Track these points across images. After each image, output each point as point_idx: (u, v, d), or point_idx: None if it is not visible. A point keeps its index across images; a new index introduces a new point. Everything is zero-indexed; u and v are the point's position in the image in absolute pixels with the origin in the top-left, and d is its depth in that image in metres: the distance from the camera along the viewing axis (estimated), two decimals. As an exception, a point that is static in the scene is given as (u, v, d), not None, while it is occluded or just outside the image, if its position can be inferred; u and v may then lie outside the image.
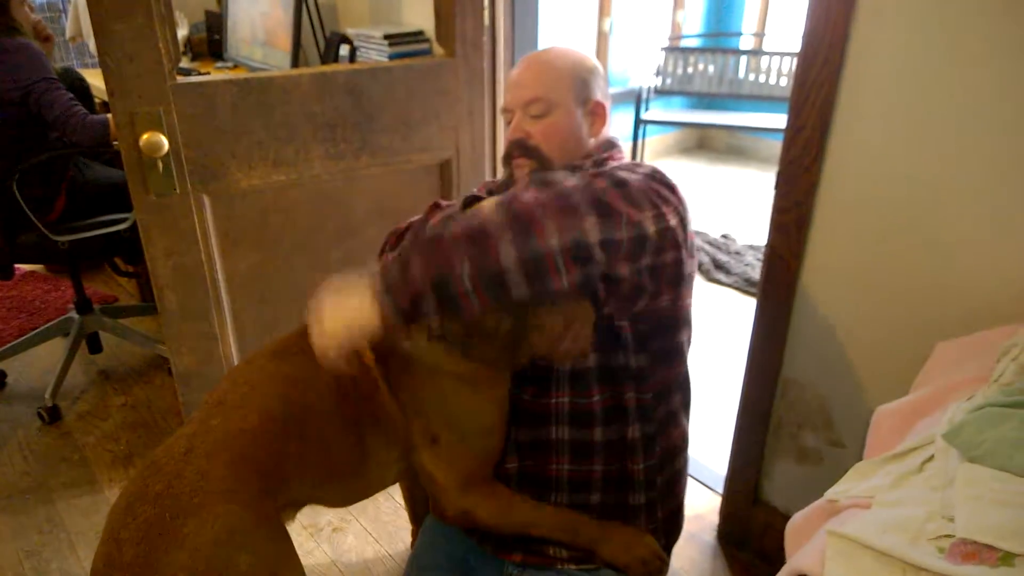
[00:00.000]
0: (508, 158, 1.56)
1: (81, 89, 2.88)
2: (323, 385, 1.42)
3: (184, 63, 3.41)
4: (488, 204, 1.21)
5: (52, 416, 2.75)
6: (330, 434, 1.41)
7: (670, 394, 1.56)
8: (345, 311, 1.20)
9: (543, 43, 2.54)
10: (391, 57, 2.47)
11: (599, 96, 1.55)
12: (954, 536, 0.84)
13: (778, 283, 1.84)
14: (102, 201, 2.77)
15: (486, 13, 2.35)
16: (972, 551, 0.83)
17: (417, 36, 2.52)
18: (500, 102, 2.54)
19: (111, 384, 3.00)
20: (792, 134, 1.71)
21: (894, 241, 1.61)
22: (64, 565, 2.15)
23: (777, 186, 1.78)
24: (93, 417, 2.78)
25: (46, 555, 2.19)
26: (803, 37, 1.64)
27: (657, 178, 1.35)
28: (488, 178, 2.57)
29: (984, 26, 1.38)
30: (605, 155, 1.55)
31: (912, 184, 1.55)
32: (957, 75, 1.44)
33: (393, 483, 1.63)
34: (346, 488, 1.51)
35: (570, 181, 1.22)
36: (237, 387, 1.41)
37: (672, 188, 1.37)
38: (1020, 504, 0.86)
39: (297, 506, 1.45)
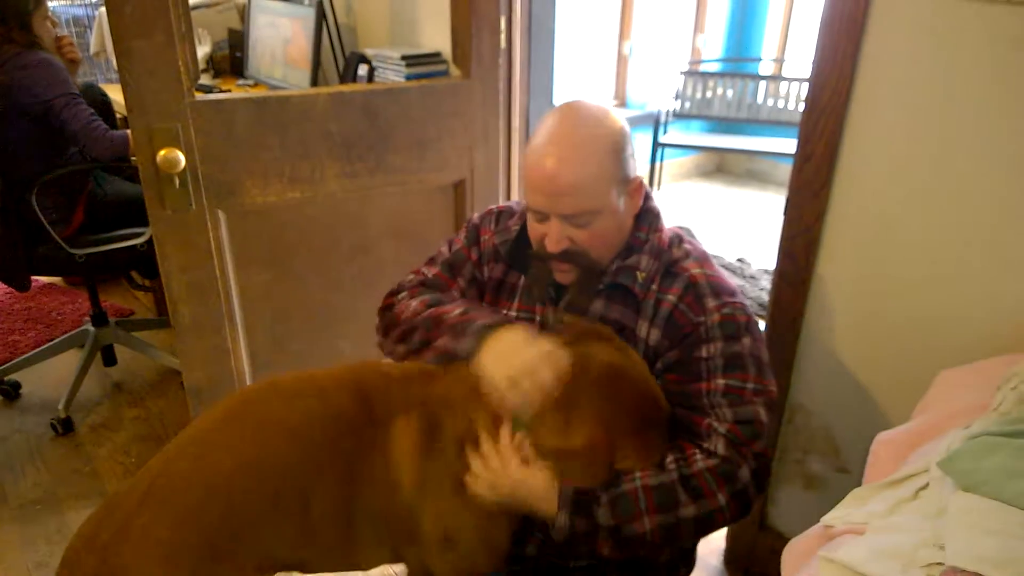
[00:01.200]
0: (545, 259, 1.42)
1: (103, 105, 2.94)
2: (323, 444, 1.30)
3: (206, 80, 3.46)
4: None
5: (65, 427, 2.78)
6: (314, 498, 1.28)
7: None
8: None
9: (560, 66, 2.57)
10: (408, 78, 2.51)
11: (632, 169, 1.39)
12: (944, 564, 0.84)
13: (786, 308, 1.84)
14: (120, 215, 2.82)
15: (502, 35, 2.38)
16: (963, 580, 0.82)
17: (434, 57, 2.56)
18: (515, 123, 2.57)
19: (124, 396, 3.03)
20: (801, 161, 1.72)
21: (901, 269, 1.61)
22: None
23: (786, 212, 1.79)
24: (105, 429, 2.81)
25: (54, 565, 2.18)
26: (812, 66, 1.66)
27: (754, 343, 1.37)
28: (502, 198, 2.59)
29: (991, 61, 1.39)
30: (655, 239, 1.43)
31: (918, 213, 1.56)
32: (963, 108, 1.45)
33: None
34: (330, 558, 1.38)
35: (718, 449, 1.30)
36: (228, 424, 1.31)
37: (750, 317, 1.39)
38: (1011, 533, 0.85)
39: (277, 567, 1.33)
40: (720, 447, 1.29)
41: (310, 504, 1.28)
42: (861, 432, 1.77)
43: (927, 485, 1.00)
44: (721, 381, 1.32)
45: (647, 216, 1.44)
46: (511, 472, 1.28)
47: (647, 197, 1.46)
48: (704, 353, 1.33)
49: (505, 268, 1.57)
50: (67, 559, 1.23)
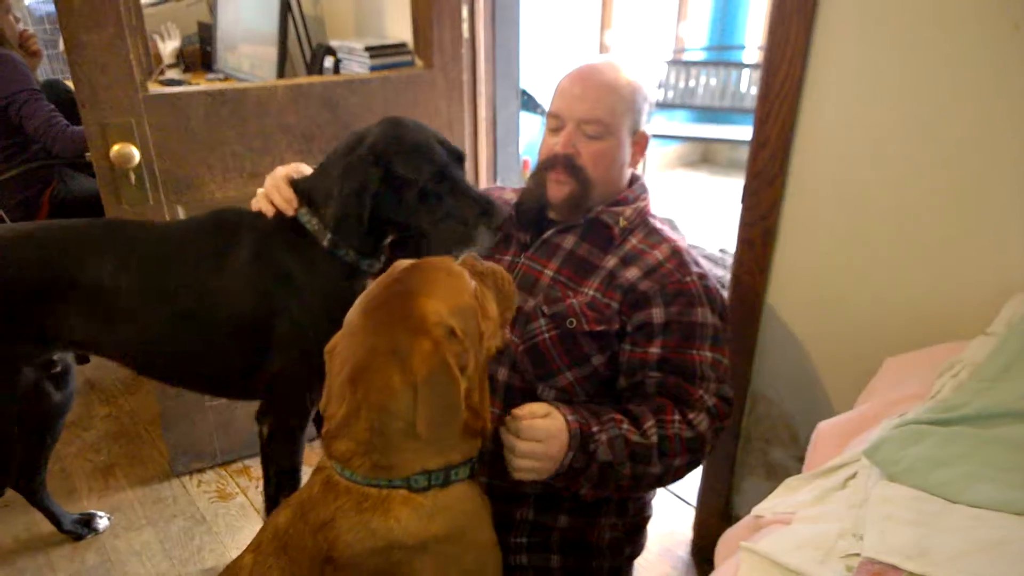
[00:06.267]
0: (547, 168, 1.49)
1: (68, 101, 2.90)
2: None
3: (175, 75, 3.44)
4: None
5: (35, 425, 2.75)
6: None
7: None
8: None
9: (525, 55, 2.55)
10: (372, 69, 2.48)
11: (646, 126, 1.53)
12: (861, 555, 0.83)
13: (745, 297, 1.82)
14: (86, 212, 2.78)
15: (465, 25, 2.36)
16: (878, 571, 0.81)
17: (399, 48, 2.53)
18: (481, 113, 2.55)
19: (96, 394, 3.00)
20: (756, 148, 1.70)
21: (858, 257, 1.60)
22: (38, 574, 2.15)
23: (743, 200, 1.77)
24: (76, 427, 2.78)
25: (20, 564, 2.19)
26: (765, 51, 1.64)
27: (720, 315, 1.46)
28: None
29: (941, 43, 1.37)
30: (642, 203, 1.54)
31: (873, 199, 1.54)
32: (915, 93, 1.43)
33: None
34: None
35: (700, 425, 1.37)
36: None
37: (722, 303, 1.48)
38: (929, 523, 0.84)
39: None
40: (703, 423, 1.37)
41: None
42: (820, 421, 1.75)
43: (855, 474, 0.99)
44: (708, 353, 1.41)
45: (637, 184, 1.57)
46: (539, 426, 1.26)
47: (637, 174, 1.60)
48: (699, 318, 1.41)
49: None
50: None
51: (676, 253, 1.47)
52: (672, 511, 2.32)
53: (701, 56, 5.89)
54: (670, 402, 1.37)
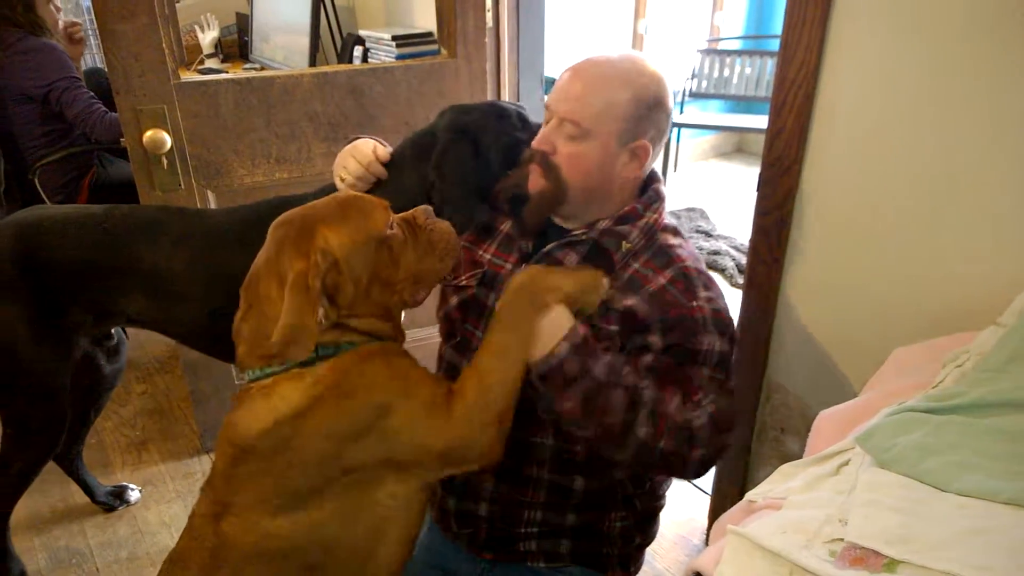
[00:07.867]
0: (527, 160, 1.42)
1: (109, 88, 2.99)
2: None
3: (214, 64, 3.50)
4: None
5: (73, 401, 2.84)
6: None
7: None
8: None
9: (549, 45, 2.56)
10: (398, 58, 2.51)
11: (649, 136, 1.37)
12: (844, 540, 0.84)
13: (760, 286, 1.83)
14: (124, 197, 2.86)
15: (488, 14, 2.38)
16: (860, 556, 0.83)
17: (425, 37, 2.56)
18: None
19: (134, 372, 3.09)
20: (772, 136, 1.71)
21: (873, 245, 1.59)
22: (72, 543, 2.24)
23: (759, 188, 1.78)
24: (113, 403, 2.86)
25: (56, 532, 2.28)
26: (781, 38, 1.64)
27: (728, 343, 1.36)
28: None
29: (960, 29, 1.36)
30: (652, 217, 1.41)
31: (890, 187, 1.53)
32: (932, 83, 1.42)
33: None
34: None
35: (695, 421, 1.26)
36: None
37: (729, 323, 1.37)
38: (913, 511, 0.85)
39: None
40: (700, 420, 1.26)
41: None
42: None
43: (848, 461, 1.00)
44: (707, 372, 1.32)
45: (651, 195, 1.44)
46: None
47: (655, 179, 1.46)
48: (704, 345, 1.32)
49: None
50: None
51: (683, 275, 1.36)
52: (688, 499, 2.34)
53: (737, 45, 5.84)
54: (672, 387, 1.31)
